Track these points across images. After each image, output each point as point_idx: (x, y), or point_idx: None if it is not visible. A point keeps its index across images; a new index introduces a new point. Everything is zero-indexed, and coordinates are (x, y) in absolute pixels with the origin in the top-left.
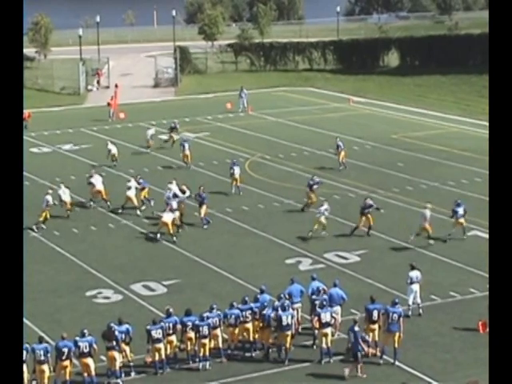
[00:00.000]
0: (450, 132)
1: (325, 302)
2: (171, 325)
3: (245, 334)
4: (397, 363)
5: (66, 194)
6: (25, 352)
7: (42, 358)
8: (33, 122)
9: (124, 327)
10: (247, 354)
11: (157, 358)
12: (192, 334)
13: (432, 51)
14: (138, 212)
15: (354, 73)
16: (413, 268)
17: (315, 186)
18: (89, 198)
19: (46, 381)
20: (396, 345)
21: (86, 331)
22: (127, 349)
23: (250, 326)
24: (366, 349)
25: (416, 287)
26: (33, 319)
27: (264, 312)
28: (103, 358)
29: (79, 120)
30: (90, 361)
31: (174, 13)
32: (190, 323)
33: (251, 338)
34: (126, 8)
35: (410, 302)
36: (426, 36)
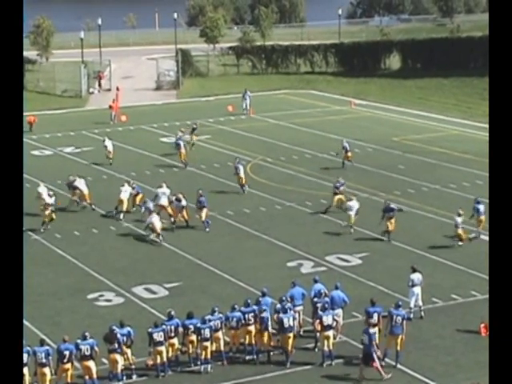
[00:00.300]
0: (451, 134)
1: (327, 305)
2: (173, 327)
3: (247, 336)
4: (398, 366)
5: (44, 190)
6: (26, 355)
7: (44, 360)
8: (35, 124)
9: (126, 330)
10: (249, 357)
11: (158, 360)
12: (194, 337)
13: (433, 54)
14: (122, 216)
15: (355, 75)
16: (414, 271)
17: (342, 188)
18: (75, 201)
19: (47, 383)
20: (399, 347)
21: (87, 334)
22: (129, 352)
23: (252, 328)
24: (378, 352)
25: (417, 290)
26: (34, 322)
27: (262, 315)
28: (105, 360)
29: (81, 123)
30: (91, 364)
31: (175, 15)
32: (191, 326)
33: (253, 341)
34: (128, 11)
35: (412, 305)
36: (428, 39)
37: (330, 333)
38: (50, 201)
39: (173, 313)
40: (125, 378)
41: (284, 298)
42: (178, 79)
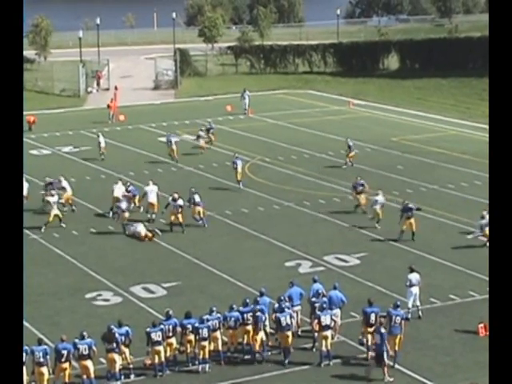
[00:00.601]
0: (449, 135)
1: (325, 305)
2: (171, 327)
3: (245, 336)
4: (396, 366)
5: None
6: (24, 354)
7: (42, 360)
8: (34, 124)
9: (124, 329)
10: (247, 357)
11: (156, 360)
12: (192, 337)
13: (432, 54)
14: (111, 214)
15: (353, 75)
16: (412, 271)
17: (360, 188)
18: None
19: (45, 383)
20: (397, 347)
21: (85, 333)
22: (127, 351)
23: (250, 328)
24: (390, 352)
25: (415, 290)
26: (32, 321)
27: (257, 314)
28: (103, 360)
29: (79, 122)
30: (89, 363)
31: (174, 15)
32: (189, 326)
33: (251, 341)
34: (126, 10)
35: (410, 305)
36: (426, 39)
37: (328, 333)
38: (54, 199)
39: (171, 312)
40: (123, 377)
41: (282, 298)
42: (177, 79)
